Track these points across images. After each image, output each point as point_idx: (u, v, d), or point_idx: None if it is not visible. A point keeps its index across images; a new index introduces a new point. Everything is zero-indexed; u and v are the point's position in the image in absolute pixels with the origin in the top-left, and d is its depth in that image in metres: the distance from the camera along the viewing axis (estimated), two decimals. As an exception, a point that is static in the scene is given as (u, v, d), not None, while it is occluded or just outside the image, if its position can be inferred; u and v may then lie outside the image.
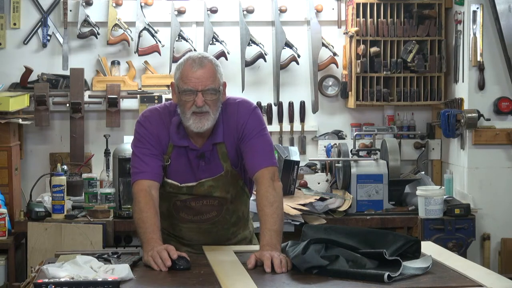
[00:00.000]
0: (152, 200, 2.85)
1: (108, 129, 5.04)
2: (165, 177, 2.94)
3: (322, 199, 4.64)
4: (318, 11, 5.17)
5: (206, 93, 2.81)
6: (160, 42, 5.04)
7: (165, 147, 2.92)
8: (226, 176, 2.95)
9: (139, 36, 5.00)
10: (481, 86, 4.80)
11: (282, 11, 5.15)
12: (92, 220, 4.45)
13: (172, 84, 2.91)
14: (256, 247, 2.85)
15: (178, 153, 2.93)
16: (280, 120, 5.21)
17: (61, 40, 5.06)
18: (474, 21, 4.79)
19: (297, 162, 4.66)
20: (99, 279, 2.34)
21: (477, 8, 4.78)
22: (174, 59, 4.97)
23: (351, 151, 4.84)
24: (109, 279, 2.34)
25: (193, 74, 2.80)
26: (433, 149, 5.23)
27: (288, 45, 5.12)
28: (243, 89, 5.04)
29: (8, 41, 5.06)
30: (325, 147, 5.13)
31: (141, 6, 5.03)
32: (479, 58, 4.78)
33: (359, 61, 5.00)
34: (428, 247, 2.88)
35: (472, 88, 4.83)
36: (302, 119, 5.22)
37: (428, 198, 4.54)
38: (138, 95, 5.04)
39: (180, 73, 2.84)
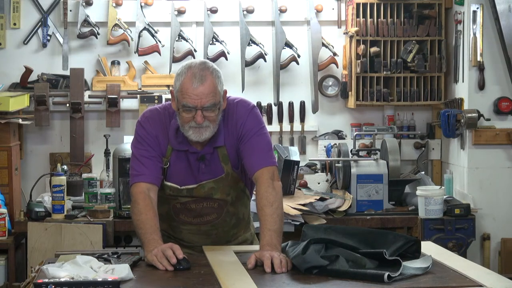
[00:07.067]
0: (151, 202, 2.83)
1: (108, 129, 5.04)
2: (164, 180, 2.92)
3: (322, 199, 4.64)
4: (318, 11, 5.17)
5: (206, 110, 2.77)
6: (160, 42, 5.04)
7: (164, 149, 2.90)
8: (226, 178, 2.94)
9: (139, 36, 5.00)
10: (481, 86, 4.80)
11: (282, 11, 5.14)
12: (92, 220, 4.45)
13: (171, 92, 2.86)
14: (256, 247, 2.84)
15: (178, 155, 2.91)
16: (280, 120, 5.21)
17: (61, 40, 5.06)
18: (474, 21, 4.79)
19: (297, 162, 4.65)
20: (99, 279, 2.34)
21: (477, 8, 4.78)
22: (174, 59, 4.98)
23: (351, 151, 4.84)
24: (109, 279, 2.34)
25: (193, 91, 2.74)
26: (433, 149, 5.23)
27: (288, 45, 5.11)
28: (243, 89, 5.04)
29: (8, 41, 5.06)
30: (325, 147, 5.13)
31: (141, 6, 5.03)
32: (479, 58, 4.78)
33: (359, 61, 5.00)
34: (428, 247, 2.88)
35: (472, 88, 4.83)
36: (302, 119, 5.22)
37: (428, 198, 4.54)
38: (138, 95, 5.04)
39: (180, 85, 2.78)
